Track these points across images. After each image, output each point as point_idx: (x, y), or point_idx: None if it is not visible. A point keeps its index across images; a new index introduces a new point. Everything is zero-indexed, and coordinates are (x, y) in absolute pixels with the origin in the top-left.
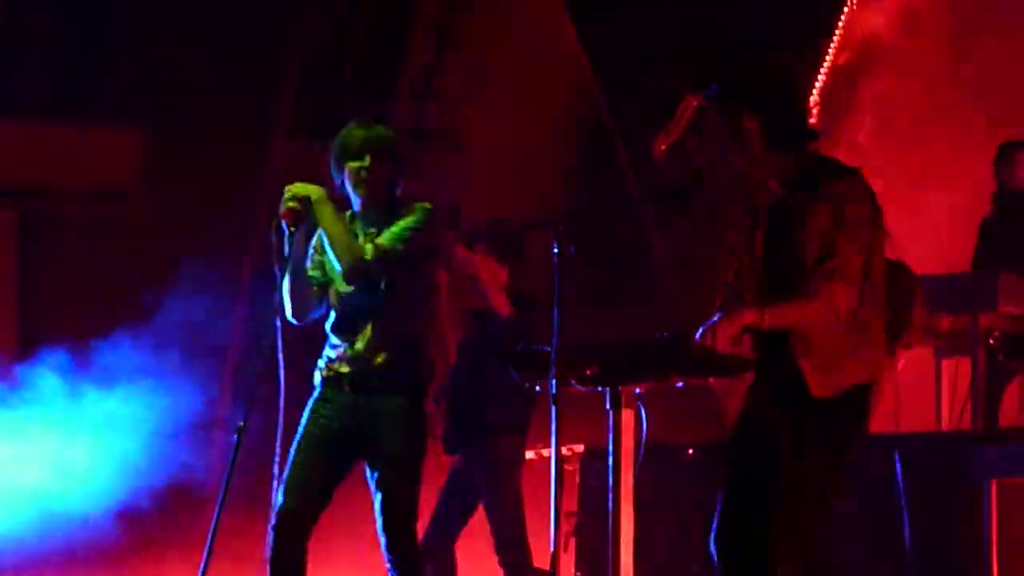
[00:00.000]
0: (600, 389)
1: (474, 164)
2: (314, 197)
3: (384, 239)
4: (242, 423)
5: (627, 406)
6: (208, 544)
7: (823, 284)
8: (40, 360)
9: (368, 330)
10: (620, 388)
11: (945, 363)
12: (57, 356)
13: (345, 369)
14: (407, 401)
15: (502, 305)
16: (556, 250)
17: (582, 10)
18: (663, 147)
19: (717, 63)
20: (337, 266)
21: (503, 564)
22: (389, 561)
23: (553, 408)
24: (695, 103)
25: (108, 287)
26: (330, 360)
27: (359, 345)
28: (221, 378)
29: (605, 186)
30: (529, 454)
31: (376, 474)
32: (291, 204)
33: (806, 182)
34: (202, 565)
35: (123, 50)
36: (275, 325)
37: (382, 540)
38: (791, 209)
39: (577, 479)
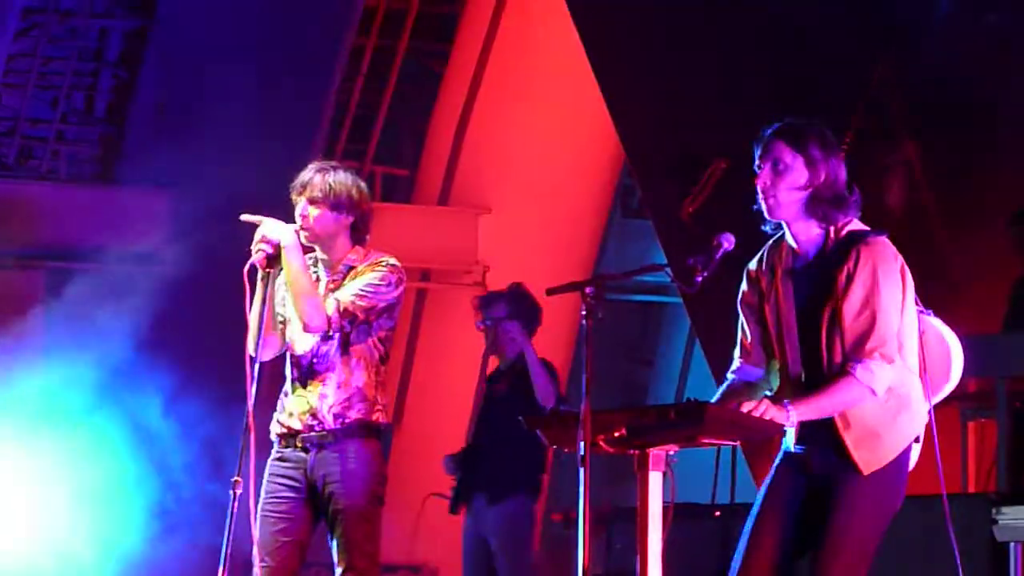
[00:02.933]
0: (629, 451)
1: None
2: (284, 243)
3: (345, 295)
4: (236, 478)
5: (655, 468)
6: None
7: (862, 365)
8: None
9: (320, 382)
10: (648, 450)
11: (971, 424)
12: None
13: (298, 426)
14: (359, 451)
15: (549, 398)
16: (585, 314)
17: (610, 73)
18: (690, 209)
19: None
20: (297, 317)
21: None
22: None
23: (582, 469)
24: (722, 165)
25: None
26: (285, 413)
27: (312, 399)
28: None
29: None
30: (556, 516)
31: (333, 530)
32: (263, 247)
33: (837, 248)
34: None
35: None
36: (248, 370)
37: None
38: (823, 276)
39: (606, 541)
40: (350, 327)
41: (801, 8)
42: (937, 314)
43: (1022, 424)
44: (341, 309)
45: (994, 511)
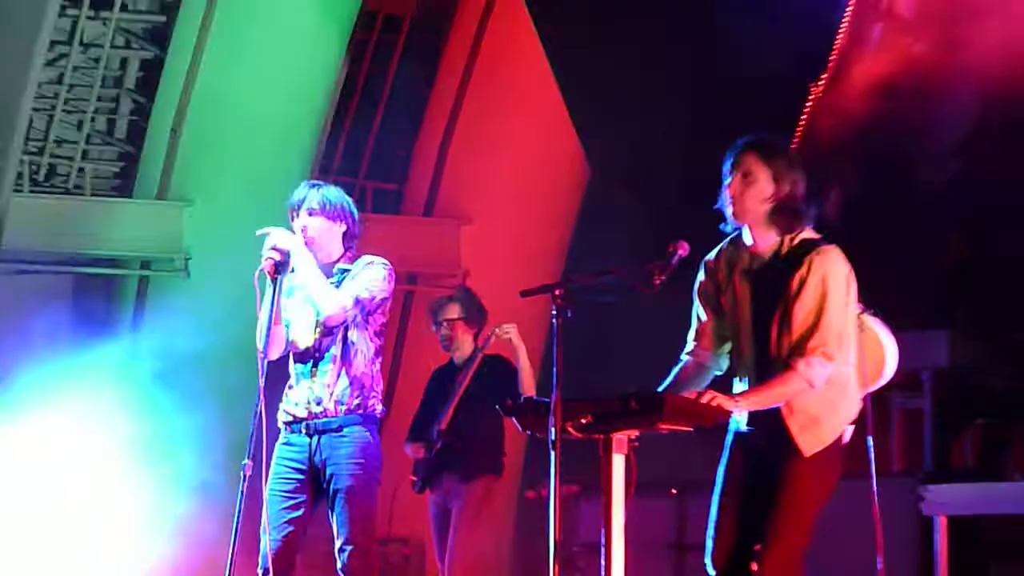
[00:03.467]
0: (594, 436)
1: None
2: (294, 250)
3: (356, 288)
4: (247, 460)
5: (618, 451)
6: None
7: (804, 361)
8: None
9: (322, 374)
10: (611, 435)
11: (898, 411)
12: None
13: (303, 413)
14: (358, 437)
15: (530, 389)
16: (555, 313)
17: (577, 99)
18: (656, 283)
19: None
20: (319, 311)
21: None
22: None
23: (552, 452)
24: (682, 251)
25: None
26: (291, 403)
27: (315, 389)
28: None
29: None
30: (529, 493)
31: (334, 508)
32: (272, 255)
33: (791, 254)
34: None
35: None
36: (260, 365)
37: (340, 561)
38: (778, 278)
39: (574, 516)
40: (361, 316)
41: (747, 36)
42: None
43: (944, 412)
44: (355, 300)
45: (921, 488)
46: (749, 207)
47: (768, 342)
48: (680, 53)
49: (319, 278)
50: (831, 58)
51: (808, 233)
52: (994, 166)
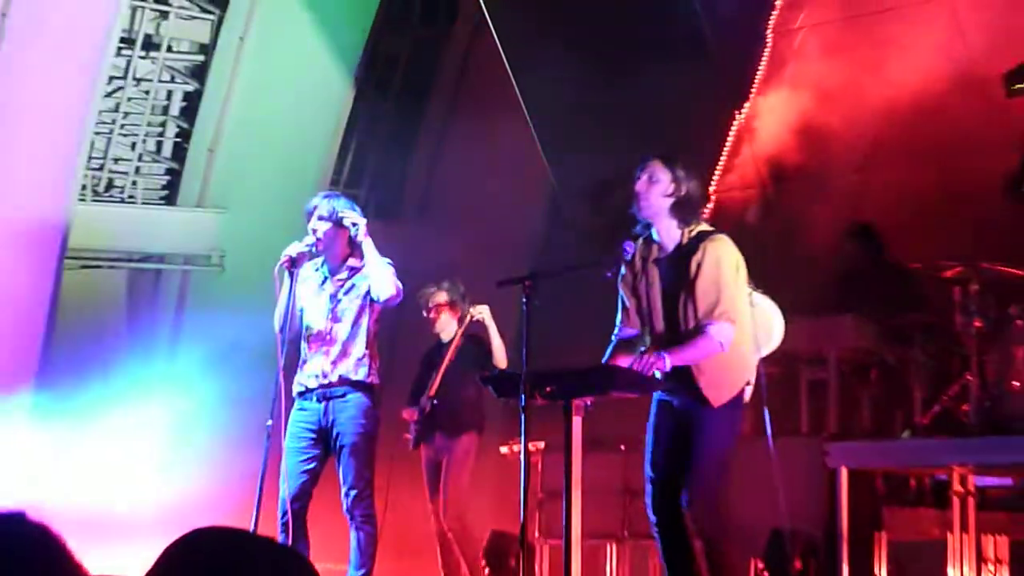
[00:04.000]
0: (557, 401)
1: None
2: (362, 225)
3: (391, 278)
4: (270, 421)
5: (576, 414)
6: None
7: (712, 325)
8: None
9: (331, 351)
10: (571, 401)
11: (806, 382)
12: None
13: (315, 384)
14: (359, 403)
15: (502, 361)
16: (524, 300)
17: (542, 125)
18: (609, 276)
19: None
20: (385, 289)
21: (450, 528)
22: (352, 519)
23: (522, 415)
24: (629, 249)
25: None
26: (304, 375)
27: (325, 364)
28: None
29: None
30: (503, 449)
31: (340, 460)
32: (292, 248)
33: (690, 243)
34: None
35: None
36: (279, 343)
37: (346, 504)
38: (680, 264)
39: (540, 468)
40: (360, 310)
41: (685, 71)
42: (781, 299)
43: (846, 383)
44: (399, 286)
45: (826, 445)
46: (653, 202)
47: (676, 317)
48: (632, 88)
49: (382, 261)
50: (752, 89)
51: (704, 226)
52: (888, 185)
